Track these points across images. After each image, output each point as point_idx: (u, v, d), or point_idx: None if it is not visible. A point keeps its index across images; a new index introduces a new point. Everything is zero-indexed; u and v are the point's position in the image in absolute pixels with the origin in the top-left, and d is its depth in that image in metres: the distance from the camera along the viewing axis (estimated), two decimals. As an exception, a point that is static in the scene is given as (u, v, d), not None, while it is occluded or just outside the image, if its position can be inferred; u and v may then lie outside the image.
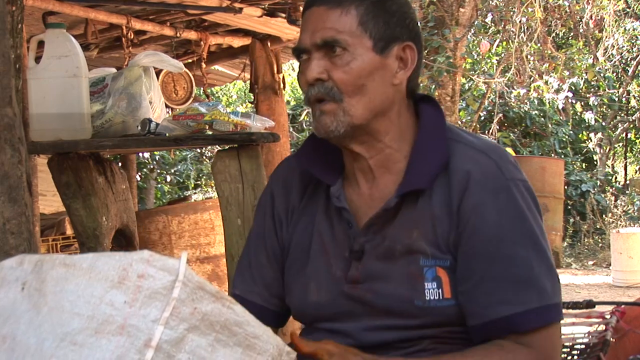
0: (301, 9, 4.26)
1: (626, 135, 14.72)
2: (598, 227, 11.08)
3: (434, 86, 8.68)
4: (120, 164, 5.85)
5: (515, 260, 1.41)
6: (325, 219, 1.55)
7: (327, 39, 1.44)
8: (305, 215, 1.58)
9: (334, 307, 1.51)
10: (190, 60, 4.92)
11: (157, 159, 11.57)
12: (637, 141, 15.29)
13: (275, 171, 1.68)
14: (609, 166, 14.19)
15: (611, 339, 2.48)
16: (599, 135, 13.84)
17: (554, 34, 10.84)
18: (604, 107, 13.63)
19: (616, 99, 13.36)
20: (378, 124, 1.48)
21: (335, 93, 1.44)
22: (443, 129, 1.51)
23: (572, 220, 11.16)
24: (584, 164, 13.49)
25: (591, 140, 14.10)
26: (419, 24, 1.57)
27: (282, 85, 5.09)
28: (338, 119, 1.45)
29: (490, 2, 9.93)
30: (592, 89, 13.11)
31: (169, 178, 12.56)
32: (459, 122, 9.19)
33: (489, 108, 11.81)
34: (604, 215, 11.36)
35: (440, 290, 1.43)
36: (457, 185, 1.44)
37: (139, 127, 2.48)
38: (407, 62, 1.49)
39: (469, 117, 10.77)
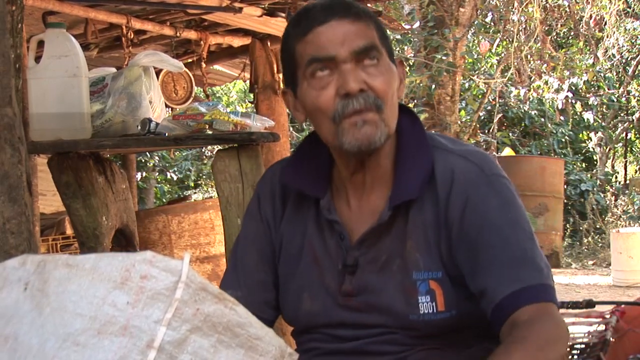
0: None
1: (626, 135, 14.74)
2: (598, 226, 11.08)
3: (433, 86, 8.68)
4: (120, 164, 5.84)
5: (509, 243, 1.39)
6: (316, 230, 1.53)
7: (367, 45, 1.41)
8: (295, 224, 1.56)
9: (327, 317, 1.51)
10: (190, 60, 4.91)
11: (157, 158, 11.56)
12: (637, 141, 15.30)
13: (263, 177, 1.66)
14: (608, 166, 14.20)
15: (611, 339, 2.48)
16: (599, 135, 13.85)
17: (554, 34, 10.84)
18: (604, 107, 13.64)
19: (616, 99, 13.36)
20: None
21: (378, 103, 1.41)
22: (424, 138, 1.50)
23: (571, 220, 11.15)
24: (583, 164, 13.50)
25: (591, 140, 14.11)
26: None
27: (282, 85, 5.09)
28: (380, 129, 1.42)
29: (490, 1, 9.92)
30: (592, 89, 13.11)
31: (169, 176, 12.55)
32: (459, 122, 9.19)
33: (489, 108, 11.82)
34: (603, 215, 11.36)
35: (433, 304, 1.42)
36: (442, 192, 1.44)
37: (139, 127, 2.49)
38: (402, 78, 1.50)
39: (469, 117, 10.76)
